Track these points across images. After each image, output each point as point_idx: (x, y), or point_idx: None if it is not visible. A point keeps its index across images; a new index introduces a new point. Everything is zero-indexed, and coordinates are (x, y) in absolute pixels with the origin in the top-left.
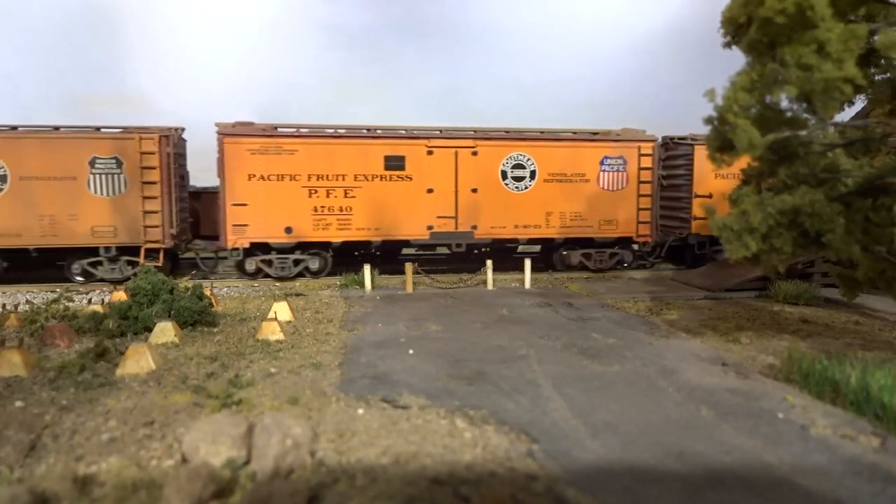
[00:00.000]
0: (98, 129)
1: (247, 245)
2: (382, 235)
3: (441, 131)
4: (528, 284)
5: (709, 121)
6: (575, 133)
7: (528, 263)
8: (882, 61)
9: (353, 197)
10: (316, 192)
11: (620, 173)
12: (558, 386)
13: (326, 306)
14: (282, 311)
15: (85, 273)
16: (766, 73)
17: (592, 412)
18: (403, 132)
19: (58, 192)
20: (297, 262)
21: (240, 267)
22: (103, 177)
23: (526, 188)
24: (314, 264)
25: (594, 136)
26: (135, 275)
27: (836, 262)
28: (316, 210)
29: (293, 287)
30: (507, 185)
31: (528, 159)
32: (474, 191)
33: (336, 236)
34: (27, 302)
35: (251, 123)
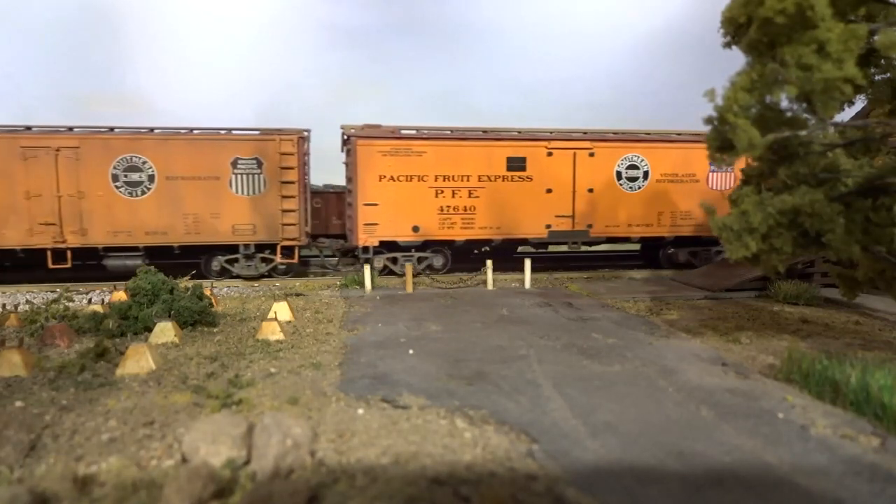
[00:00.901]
0: (237, 130)
1: (376, 243)
2: (503, 234)
3: (559, 133)
4: (528, 284)
5: (709, 121)
6: (688, 135)
7: (528, 263)
8: (882, 61)
9: (477, 197)
10: (442, 192)
11: (728, 174)
12: (558, 386)
13: (326, 306)
14: (282, 311)
15: (222, 270)
16: (766, 73)
17: (592, 412)
18: (524, 134)
19: (202, 192)
20: (420, 260)
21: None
22: (244, 177)
23: (639, 188)
24: (438, 262)
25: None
26: (273, 270)
27: (836, 262)
28: (442, 210)
29: (293, 287)
30: (621, 185)
31: (642, 160)
32: (590, 190)
33: (460, 235)
34: (27, 302)
35: (378, 126)
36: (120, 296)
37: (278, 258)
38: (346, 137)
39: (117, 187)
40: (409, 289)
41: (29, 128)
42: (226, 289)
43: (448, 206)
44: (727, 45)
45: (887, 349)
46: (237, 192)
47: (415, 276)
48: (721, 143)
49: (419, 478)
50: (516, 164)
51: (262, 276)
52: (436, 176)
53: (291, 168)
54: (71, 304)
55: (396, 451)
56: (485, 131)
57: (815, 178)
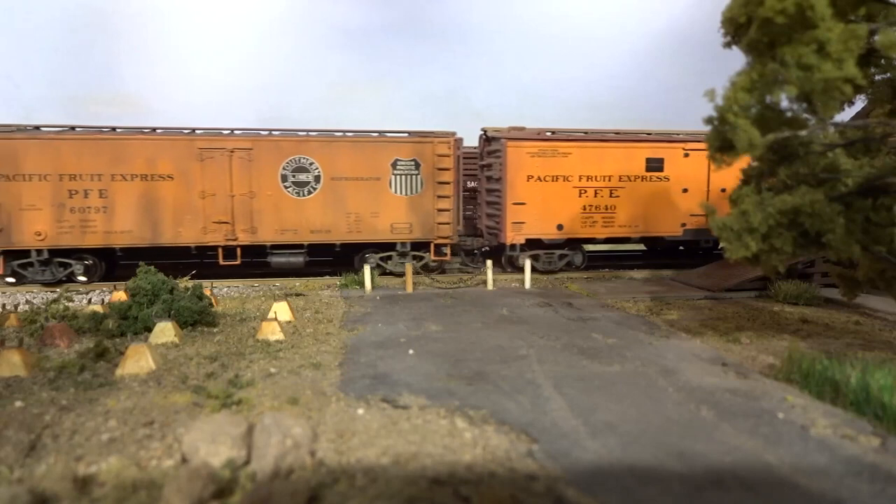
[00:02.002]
0: (392, 133)
1: (523, 241)
2: (641, 232)
3: (696, 135)
4: (528, 284)
5: (709, 121)
6: None
7: (528, 263)
8: (882, 61)
9: (617, 196)
10: (585, 191)
11: None
12: (558, 386)
13: (326, 306)
14: (282, 311)
15: (377, 267)
16: (766, 73)
17: (592, 412)
18: (663, 136)
19: (363, 192)
20: (561, 257)
21: (510, 262)
22: (403, 177)
23: None
24: (577, 259)
25: None
26: (424, 267)
27: (836, 262)
28: (585, 209)
29: (293, 287)
30: None
31: None
32: (723, 190)
33: (601, 233)
34: (27, 302)
35: (522, 128)
36: (120, 296)
37: (432, 256)
38: (488, 138)
39: (286, 187)
40: (409, 289)
41: (154, 129)
42: (226, 289)
43: (590, 206)
44: (727, 45)
45: (887, 349)
46: (396, 192)
47: (555, 272)
48: (721, 143)
49: (419, 478)
50: (655, 164)
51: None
52: (580, 176)
53: (447, 169)
54: (71, 304)
55: (396, 451)
56: (617, 132)
57: (815, 178)
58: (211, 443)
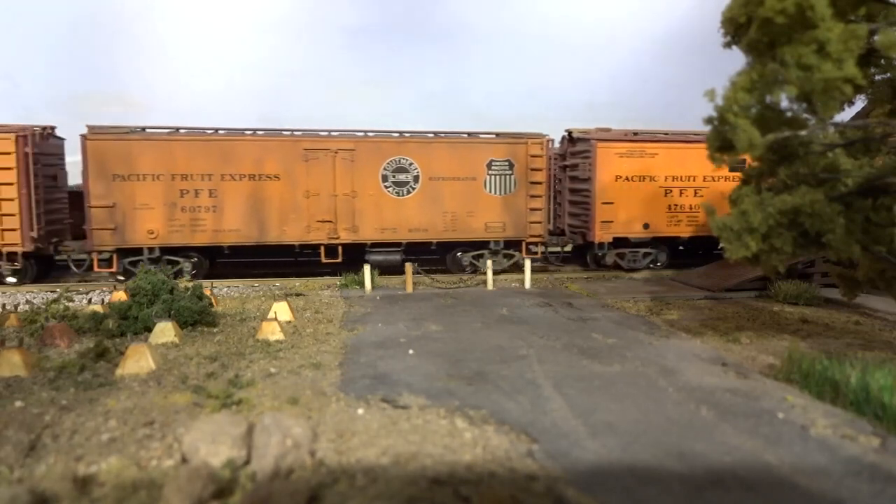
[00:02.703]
0: (485, 134)
1: (610, 239)
2: None
3: None
4: (528, 284)
5: (709, 121)
6: None
7: (527, 263)
8: (882, 61)
9: (701, 196)
10: (670, 191)
11: None
12: (558, 386)
13: (326, 306)
14: (282, 311)
15: (471, 265)
16: (766, 73)
17: (592, 412)
18: None
19: (460, 192)
20: (646, 255)
21: (595, 260)
22: (497, 177)
23: None
24: (662, 257)
25: None
26: (514, 265)
27: (836, 262)
28: (670, 208)
29: (293, 287)
30: None
31: None
32: None
33: (685, 232)
34: (27, 302)
35: (608, 129)
36: (120, 296)
37: (523, 254)
38: (572, 139)
39: (386, 187)
40: (409, 289)
41: (255, 131)
42: (225, 289)
43: (675, 205)
44: (727, 45)
45: (887, 349)
46: (490, 191)
47: (638, 269)
48: (721, 143)
49: (419, 478)
50: (739, 165)
51: (503, 271)
52: (665, 176)
53: (539, 169)
54: (71, 304)
55: (396, 451)
56: (703, 134)
57: (815, 178)
58: (211, 443)
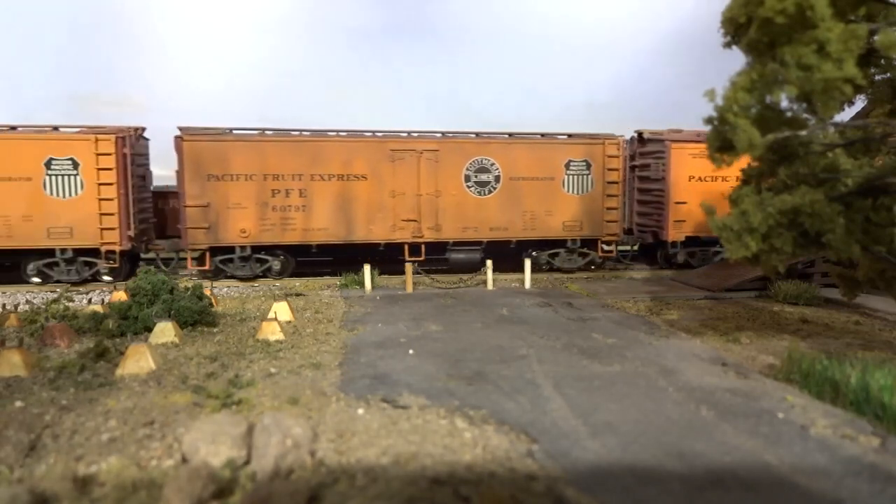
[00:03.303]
0: (560, 135)
1: (682, 238)
2: None
3: None
4: (528, 284)
5: (709, 121)
6: None
7: (528, 263)
8: (882, 61)
9: None
10: None
11: None
12: (558, 386)
13: (326, 306)
14: (282, 311)
15: (546, 263)
16: (766, 73)
17: (592, 412)
18: None
19: (539, 191)
20: (715, 254)
21: (667, 258)
22: (576, 177)
23: None
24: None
25: None
26: (589, 263)
27: (836, 262)
28: None
29: (293, 287)
30: None
31: None
32: None
33: None
34: (27, 302)
35: (680, 130)
36: (120, 296)
37: (599, 253)
38: (642, 139)
39: (468, 187)
40: (409, 289)
41: (338, 132)
42: (226, 289)
43: None
44: (727, 45)
45: (887, 349)
46: (569, 191)
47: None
48: (721, 143)
49: (419, 478)
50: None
51: (578, 269)
52: (737, 176)
53: (616, 169)
54: (71, 304)
55: (396, 451)
56: None
57: (815, 178)
58: (211, 443)
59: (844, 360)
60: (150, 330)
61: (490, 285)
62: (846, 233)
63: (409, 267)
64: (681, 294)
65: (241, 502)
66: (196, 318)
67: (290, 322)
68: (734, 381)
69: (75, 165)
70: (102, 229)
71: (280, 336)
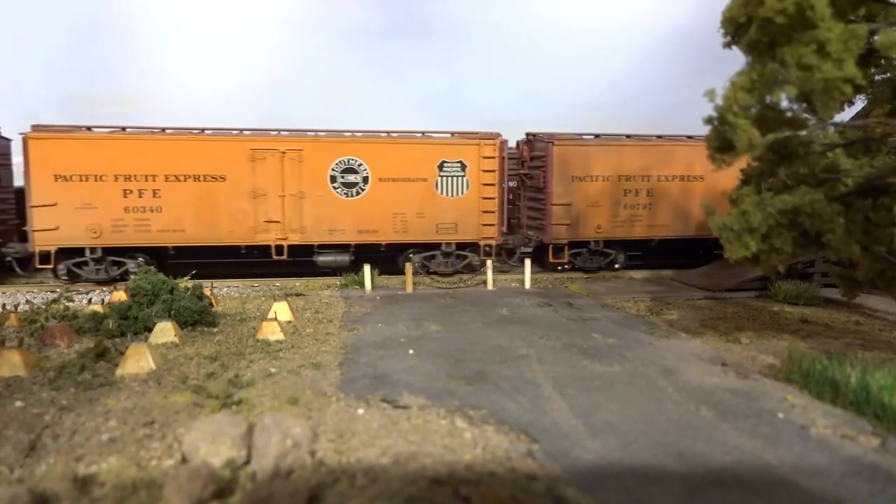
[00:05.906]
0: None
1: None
2: None
3: None
4: (528, 284)
5: (709, 121)
6: None
7: (528, 263)
8: (882, 61)
9: None
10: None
11: None
12: (558, 386)
13: (326, 306)
14: (282, 311)
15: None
16: (766, 73)
17: (592, 412)
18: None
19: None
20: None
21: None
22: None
23: None
24: None
25: None
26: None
27: (836, 262)
28: None
29: (293, 287)
30: None
31: None
32: None
33: None
34: (27, 302)
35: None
36: (120, 296)
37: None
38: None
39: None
40: (409, 289)
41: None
42: (226, 289)
43: None
44: (727, 45)
45: (887, 349)
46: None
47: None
48: (721, 143)
49: (419, 478)
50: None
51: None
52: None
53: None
54: (71, 304)
55: (396, 451)
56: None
57: (815, 178)
58: (211, 443)
59: (844, 360)
60: (150, 330)
61: (490, 285)
62: (846, 233)
63: (409, 267)
64: (681, 294)
65: (241, 502)
66: (196, 318)
67: (290, 322)
68: (734, 381)
69: (463, 168)
70: (483, 225)
71: (280, 336)
